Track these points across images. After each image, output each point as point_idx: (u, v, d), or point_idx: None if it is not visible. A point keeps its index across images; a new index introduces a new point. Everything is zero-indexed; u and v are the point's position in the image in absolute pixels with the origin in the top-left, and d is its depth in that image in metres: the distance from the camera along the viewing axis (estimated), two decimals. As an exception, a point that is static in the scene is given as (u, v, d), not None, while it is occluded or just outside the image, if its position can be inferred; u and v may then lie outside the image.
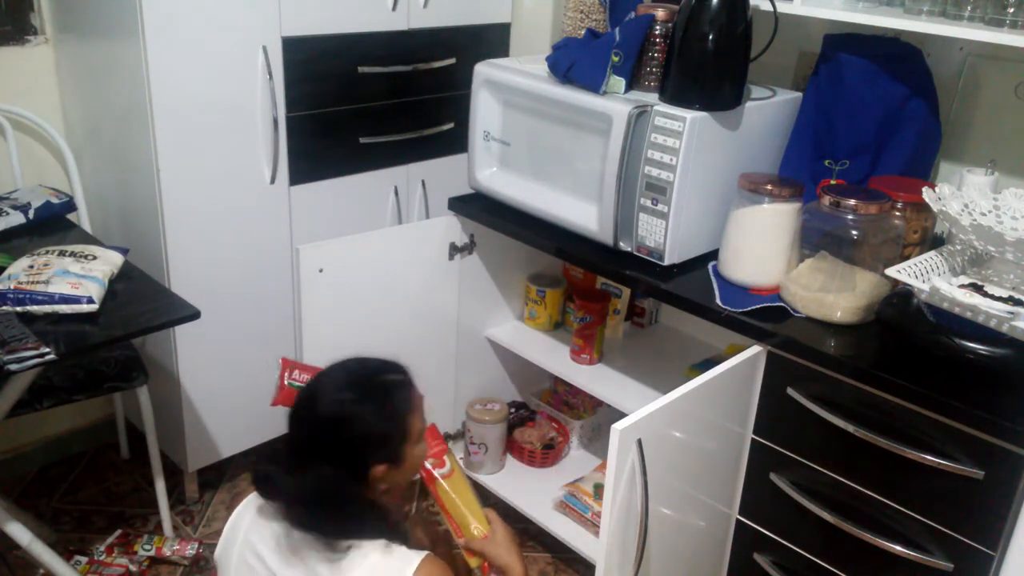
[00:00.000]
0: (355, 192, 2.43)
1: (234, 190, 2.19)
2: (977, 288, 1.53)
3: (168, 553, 2.22)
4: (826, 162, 1.86)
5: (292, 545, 1.31)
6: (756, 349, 1.64)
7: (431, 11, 2.41)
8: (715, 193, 1.82)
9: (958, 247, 1.63)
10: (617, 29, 1.85)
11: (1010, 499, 1.38)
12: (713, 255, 1.86)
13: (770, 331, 1.62)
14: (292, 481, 1.32)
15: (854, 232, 1.62)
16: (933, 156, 1.87)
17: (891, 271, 1.55)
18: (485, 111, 2.05)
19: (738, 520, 1.79)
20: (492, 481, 2.34)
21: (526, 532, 2.35)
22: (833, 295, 1.62)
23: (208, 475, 2.51)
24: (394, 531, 1.36)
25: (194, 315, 1.79)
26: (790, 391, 1.61)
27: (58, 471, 2.56)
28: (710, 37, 1.71)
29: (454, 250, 2.21)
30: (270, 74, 2.15)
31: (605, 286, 2.35)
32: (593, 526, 2.13)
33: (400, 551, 1.33)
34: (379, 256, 2.07)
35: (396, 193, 2.53)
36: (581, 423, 2.45)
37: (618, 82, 1.83)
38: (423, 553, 1.33)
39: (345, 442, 1.34)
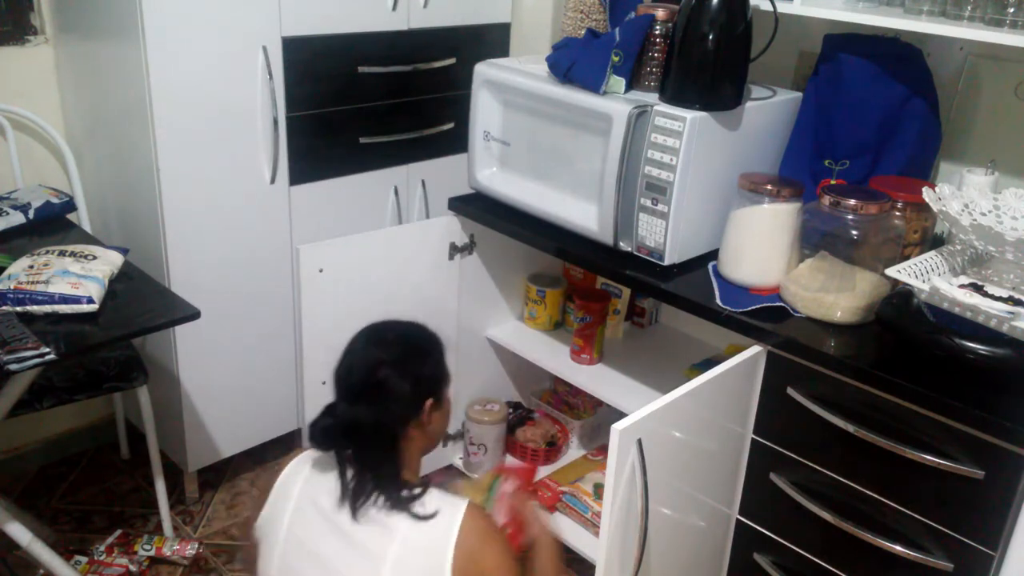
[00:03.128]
0: (355, 192, 2.44)
1: (234, 190, 2.20)
2: (977, 288, 1.53)
3: (168, 553, 2.22)
4: (826, 162, 1.86)
5: (346, 492, 1.42)
6: (756, 349, 1.64)
7: (431, 11, 2.41)
8: (715, 193, 1.82)
9: (958, 247, 1.63)
10: (617, 29, 1.85)
11: (1010, 499, 1.38)
12: (713, 255, 1.86)
13: (770, 331, 1.62)
14: (351, 415, 1.44)
15: (854, 232, 1.62)
16: (933, 156, 1.87)
17: (891, 271, 1.55)
18: (485, 111, 2.05)
19: (738, 520, 1.79)
20: (492, 481, 2.34)
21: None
22: (833, 295, 1.62)
23: (208, 475, 2.51)
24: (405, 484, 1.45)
25: (194, 315, 1.79)
26: (790, 391, 1.61)
27: (58, 471, 2.56)
28: (710, 37, 1.71)
29: (454, 250, 2.21)
30: (270, 74, 2.15)
31: (605, 286, 2.35)
32: (593, 526, 2.13)
33: (442, 496, 1.43)
34: (379, 256, 2.07)
35: (396, 193, 2.53)
36: (581, 423, 2.45)
37: (618, 82, 1.83)
38: (465, 499, 1.43)
39: (411, 369, 1.48)
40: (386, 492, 1.41)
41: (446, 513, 1.39)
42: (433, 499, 1.41)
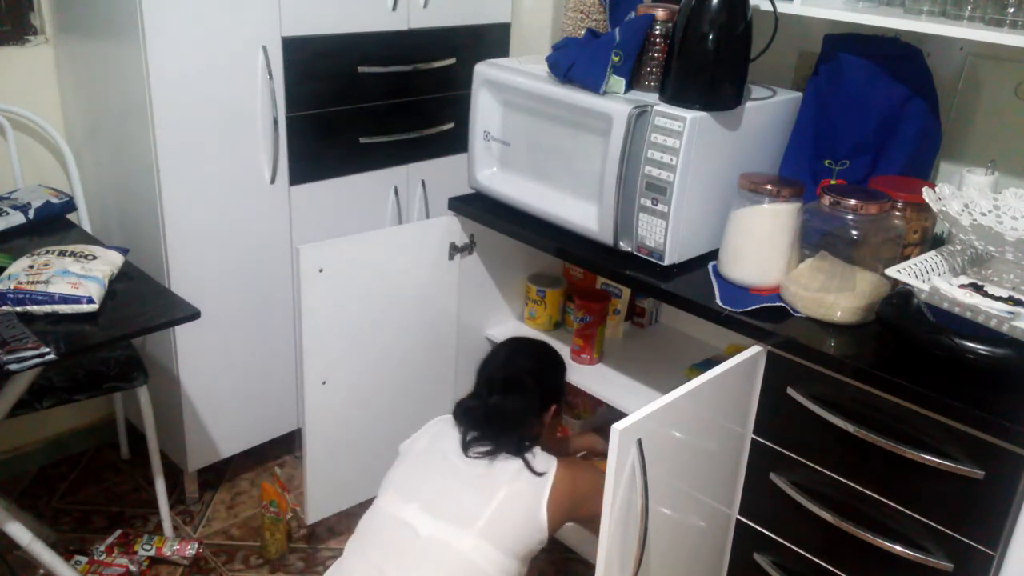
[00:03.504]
0: (355, 192, 2.44)
1: (234, 190, 2.20)
2: (977, 288, 1.53)
3: (168, 553, 2.22)
4: (826, 162, 1.86)
5: (468, 448, 1.77)
6: (756, 349, 1.64)
7: (431, 11, 2.41)
8: (715, 193, 1.82)
9: (958, 247, 1.63)
10: (617, 29, 1.85)
11: (1010, 499, 1.38)
12: (713, 255, 1.86)
13: (770, 331, 1.62)
14: (498, 404, 1.81)
15: (854, 232, 1.62)
16: (933, 156, 1.87)
17: (891, 271, 1.55)
18: (485, 111, 2.05)
19: (738, 520, 1.79)
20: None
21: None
22: (833, 295, 1.62)
23: (208, 475, 2.51)
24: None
25: (194, 315, 1.79)
26: (790, 391, 1.61)
27: (58, 471, 2.56)
28: (710, 37, 1.71)
29: (454, 250, 2.21)
30: (270, 74, 2.15)
31: (605, 286, 2.35)
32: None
33: (543, 455, 1.79)
34: (379, 256, 2.07)
35: (396, 193, 2.53)
36: (581, 423, 2.45)
37: (618, 82, 1.83)
38: (555, 459, 1.79)
39: (546, 378, 1.90)
40: (505, 448, 1.75)
41: (546, 464, 1.76)
42: (539, 454, 1.78)
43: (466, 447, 1.76)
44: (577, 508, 1.79)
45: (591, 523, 1.79)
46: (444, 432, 1.83)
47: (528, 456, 1.76)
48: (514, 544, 1.70)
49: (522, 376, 1.85)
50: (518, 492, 1.72)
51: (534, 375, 1.86)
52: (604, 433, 1.72)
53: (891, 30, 1.73)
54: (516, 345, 1.97)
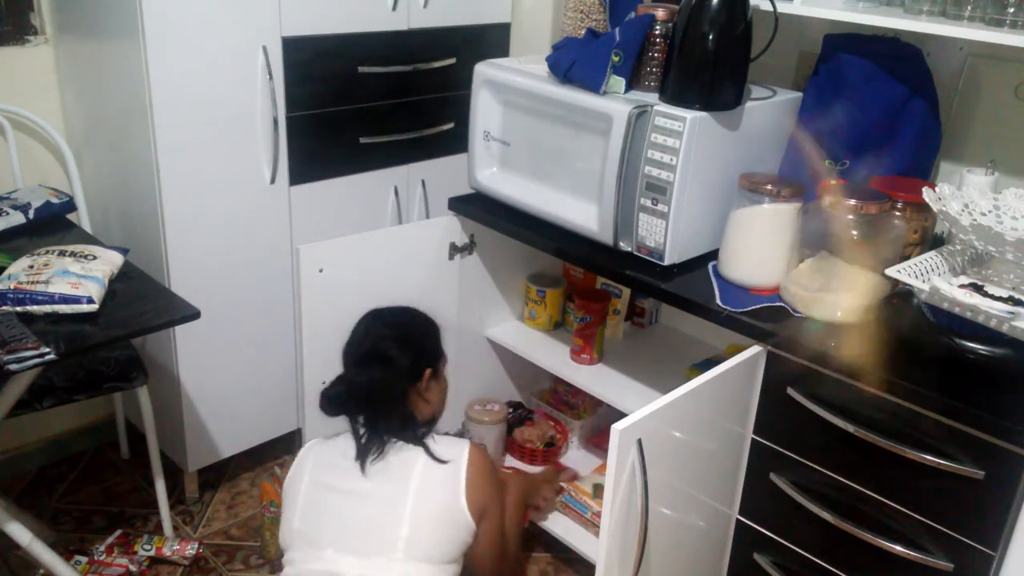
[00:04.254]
0: (355, 192, 2.44)
1: (234, 190, 2.20)
2: (977, 288, 1.53)
3: (168, 553, 2.22)
4: (826, 162, 1.86)
5: (361, 448, 1.64)
6: (756, 349, 1.64)
7: (431, 11, 2.41)
8: (715, 193, 1.82)
9: (958, 247, 1.63)
10: (617, 29, 1.85)
11: (1010, 499, 1.38)
12: (713, 255, 1.86)
13: (770, 331, 1.62)
14: (360, 379, 1.66)
15: (854, 232, 1.62)
16: (933, 156, 1.87)
17: (891, 271, 1.55)
18: (485, 111, 2.05)
19: (738, 520, 1.79)
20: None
21: (526, 532, 2.35)
22: (833, 295, 1.62)
23: (208, 475, 2.51)
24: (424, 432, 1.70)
25: (194, 315, 1.79)
26: (790, 391, 1.61)
27: (58, 471, 2.56)
28: (710, 37, 1.71)
29: (454, 250, 2.21)
30: (270, 74, 2.15)
31: (605, 286, 2.35)
32: (593, 526, 2.13)
33: (448, 439, 1.70)
34: (379, 256, 2.07)
35: (396, 193, 2.53)
36: (581, 423, 2.45)
37: (618, 82, 1.83)
38: (467, 441, 1.70)
39: (411, 343, 1.73)
40: (399, 435, 1.64)
41: (455, 450, 1.64)
42: (442, 440, 1.67)
43: (360, 453, 1.64)
44: (492, 501, 1.67)
45: (493, 532, 1.69)
46: (320, 458, 1.70)
47: (429, 442, 1.64)
48: (444, 551, 1.61)
49: (384, 345, 1.69)
50: (430, 492, 1.61)
51: (398, 342, 1.70)
52: (604, 433, 1.71)
53: (891, 30, 1.73)
54: (374, 315, 1.79)
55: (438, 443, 1.66)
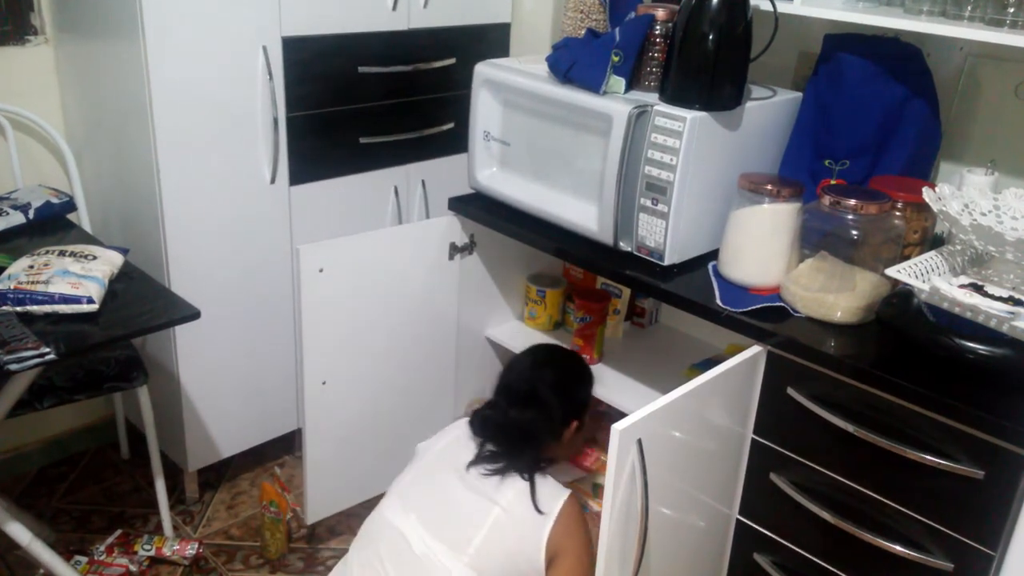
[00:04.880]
0: (355, 192, 2.44)
1: (234, 190, 2.20)
2: (977, 288, 1.53)
3: (168, 553, 2.22)
4: (826, 162, 1.86)
5: (480, 463, 1.72)
6: (756, 349, 1.64)
7: (431, 11, 2.41)
8: (715, 193, 1.82)
9: (958, 247, 1.63)
10: (617, 29, 1.85)
11: (1010, 499, 1.38)
12: (713, 255, 1.86)
13: (770, 331, 1.62)
14: (517, 418, 1.74)
15: (854, 232, 1.62)
16: (933, 156, 1.87)
17: (891, 271, 1.55)
18: (485, 111, 2.05)
19: (738, 520, 1.79)
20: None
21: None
22: (833, 295, 1.62)
23: (208, 475, 2.51)
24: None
25: (194, 315, 1.79)
26: (790, 391, 1.61)
27: (58, 471, 2.56)
28: (710, 37, 1.71)
29: (454, 250, 2.21)
30: (270, 74, 2.15)
31: (605, 286, 2.35)
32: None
33: (551, 483, 1.73)
34: (379, 256, 2.07)
35: (396, 193, 2.53)
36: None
37: (618, 82, 1.83)
38: (567, 492, 1.71)
39: (570, 394, 1.82)
40: (517, 468, 1.69)
41: (552, 500, 1.67)
42: (545, 483, 1.70)
43: (477, 461, 1.72)
44: (564, 552, 1.69)
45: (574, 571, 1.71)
46: (460, 441, 1.80)
47: (538, 478, 1.69)
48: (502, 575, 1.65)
49: (544, 389, 1.77)
50: (512, 527, 1.65)
51: (557, 389, 1.79)
52: (604, 433, 1.71)
53: (891, 30, 1.73)
54: (540, 354, 1.89)
55: (541, 485, 1.70)
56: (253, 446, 2.50)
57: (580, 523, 1.71)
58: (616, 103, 1.77)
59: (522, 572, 1.66)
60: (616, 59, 1.81)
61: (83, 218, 2.32)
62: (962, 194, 1.62)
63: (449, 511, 1.69)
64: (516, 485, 1.68)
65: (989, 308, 1.42)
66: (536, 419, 1.75)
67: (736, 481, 1.75)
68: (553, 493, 1.70)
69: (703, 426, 1.62)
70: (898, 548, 1.51)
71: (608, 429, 2.20)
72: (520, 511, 1.66)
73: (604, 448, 2.24)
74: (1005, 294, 1.50)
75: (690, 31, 1.72)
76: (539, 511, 1.66)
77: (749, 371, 1.65)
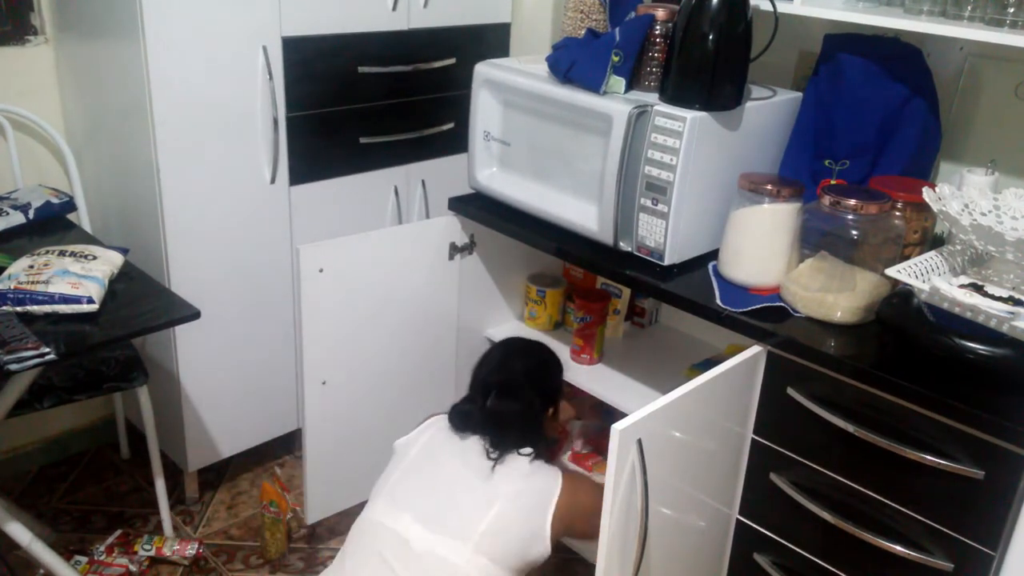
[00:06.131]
0: (355, 192, 2.44)
1: (234, 190, 2.20)
2: (977, 288, 1.53)
3: (168, 553, 2.22)
4: (826, 162, 1.86)
5: (469, 453, 1.76)
6: (756, 349, 1.64)
7: (431, 11, 2.41)
8: (715, 193, 1.82)
9: (958, 247, 1.63)
10: (617, 29, 1.85)
11: (1010, 499, 1.38)
12: (713, 255, 1.86)
13: (770, 331, 1.62)
14: (495, 409, 1.79)
15: (854, 232, 1.62)
16: (933, 156, 1.87)
17: (891, 271, 1.55)
18: (485, 111, 2.05)
19: (738, 520, 1.79)
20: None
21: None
22: (833, 295, 1.62)
23: (208, 475, 2.51)
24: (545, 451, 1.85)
25: (194, 315, 1.79)
26: (790, 391, 1.61)
27: (58, 471, 2.56)
28: (710, 37, 1.71)
29: (454, 250, 2.21)
30: (270, 74, 2.15)
31: (605, 286, 2.34)
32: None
33: (544, 467, 1.78)
34: (379, 256, 2.07)
35: (396, 193, 2.53)
36: (581, 423, 2.45)
37: (618, 82, 1.83)
38: (559, 473, 1.78)
39: (542, 383, 1.89)
40: (519, 448, 1.75)
41: (549, 480, 1.74)
42: (540, 467, 1.76)
43: (469, 451, 1.75)
44: (577, 522, 1.77)
45: (588, 538, 1.77)
46: (441, 435, 1.82)
47: (536, 463, 1.75)
48: (512, 558, 1.68)
49: (518, 379, 1.84)
50: (519, 502, 1.70)
51: (530, 378, 1.85)
52: (605, 433, 1.71)
53: (891, 30, 1.73)
54: (511, 346, 1.96)
55: (537, 466, 1.76)
56: (253, 446, 2.50)
57: (581, 482, 1.82)
58: (616, 103, 1.77)
59: (528, 548, 1.70)
60: (616, 59, 1.81)
61: (83, 218, 2.32)
62: (962, 194, 1.62)
63: (447, 504, 1.70)
64: (513, 470, 1.73)
65: (989, 308, 1.42)
66: (515, 409, 1.80)
67: (736, 481, 1.75)
68: (549, 472, 1.77)
69: (703, 426, 1.62)
70: (898, 548, 1.51)
71: (590, 407, 2.23)
72: (522, 493, 1.71)
73: (594, 436, 2.35)
74: (1005, 294, 1.50)
75: (690, 31, 1.72)
76: (540, 488, 1.72)
77: (749, 371, 1.65)
